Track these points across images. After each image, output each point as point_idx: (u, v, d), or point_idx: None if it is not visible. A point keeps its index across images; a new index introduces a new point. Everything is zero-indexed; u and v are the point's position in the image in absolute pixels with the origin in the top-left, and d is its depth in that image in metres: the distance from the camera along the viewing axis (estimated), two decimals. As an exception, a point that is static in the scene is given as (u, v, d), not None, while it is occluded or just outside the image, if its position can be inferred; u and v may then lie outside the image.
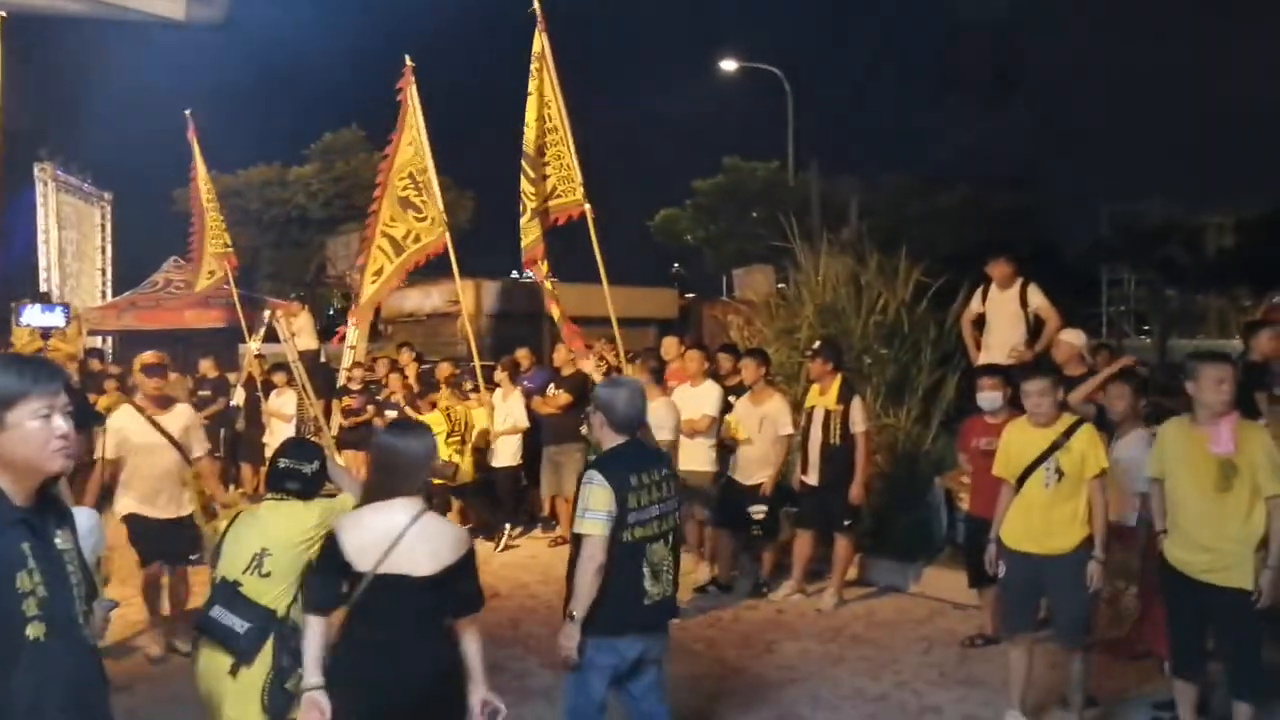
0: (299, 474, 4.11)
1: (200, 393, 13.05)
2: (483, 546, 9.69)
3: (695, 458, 8.26)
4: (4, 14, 6.69)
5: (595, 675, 4.17)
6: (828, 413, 7.56)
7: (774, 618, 7.50)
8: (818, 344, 7.82)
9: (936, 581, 7.85)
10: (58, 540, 2.56)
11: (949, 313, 9.13)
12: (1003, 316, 8.12)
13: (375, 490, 3.58)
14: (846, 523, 7.68)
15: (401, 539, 3.42)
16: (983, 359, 8.01)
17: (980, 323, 8.31)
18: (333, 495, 4.45)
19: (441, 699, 3.47)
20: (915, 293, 9.47)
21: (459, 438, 9.91)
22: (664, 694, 4.48)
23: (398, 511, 3.48)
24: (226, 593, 3.86)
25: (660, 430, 7.02)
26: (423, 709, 3.41)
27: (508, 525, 10.08)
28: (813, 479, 7.68)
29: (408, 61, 11.32)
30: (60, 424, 2.49)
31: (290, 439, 4.61)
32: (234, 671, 3.78)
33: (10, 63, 7.40)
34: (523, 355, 11.28)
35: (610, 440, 4.29)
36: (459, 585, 3.54)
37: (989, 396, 6.51)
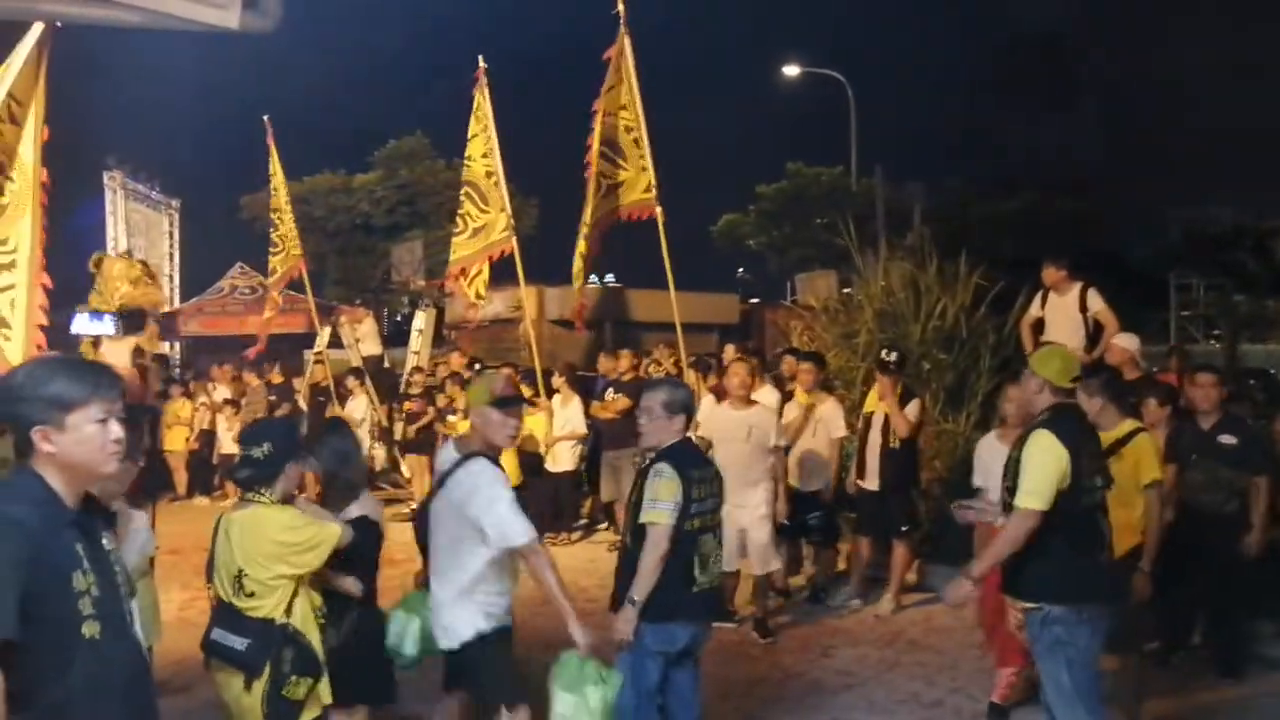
0: (249, 460, 3.91)
1: (267, 398, 13.35)
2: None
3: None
4: (58, 24, 6.84)
5: (650, 660, 4.32)
6: (887, 417, 7.54)
7: (831, 623, 7.48)
8: (893, 356, 7.72)
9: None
10: (104, 541, 2.65)
11: (1008, 318, 9.05)
12: (1062, 321, 8.03)
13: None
14: (904, 528, 7.66)
15: None
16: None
17: (1040, 327, 8.23)
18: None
19: None
20: (974, 298, 9.40)
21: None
22: (699, 690, 4.60)
23: None
24: (223, 613, 3.83)
25: (769, 438, 7.08)
26: None
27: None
28: (871, 484, 7.65)
29: (481, 64, 11.48)
30: (116, 429, 2.57)
31: (251, 421, 4.50)
32: (248, 686, 3.76)
33: (78, 73, 7.58)
34: (625, 356, 10.94)
35: (670, 437, 4.48)
36: None
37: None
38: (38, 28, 6.83)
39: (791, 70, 27.57)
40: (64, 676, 2.45)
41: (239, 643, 3.75)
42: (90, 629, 2.49)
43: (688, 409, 4.57)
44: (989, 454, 6.05)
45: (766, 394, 8.39)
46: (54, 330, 6.84)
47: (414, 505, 12.18)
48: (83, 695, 2.47)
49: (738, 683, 6.26)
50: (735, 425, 7.09)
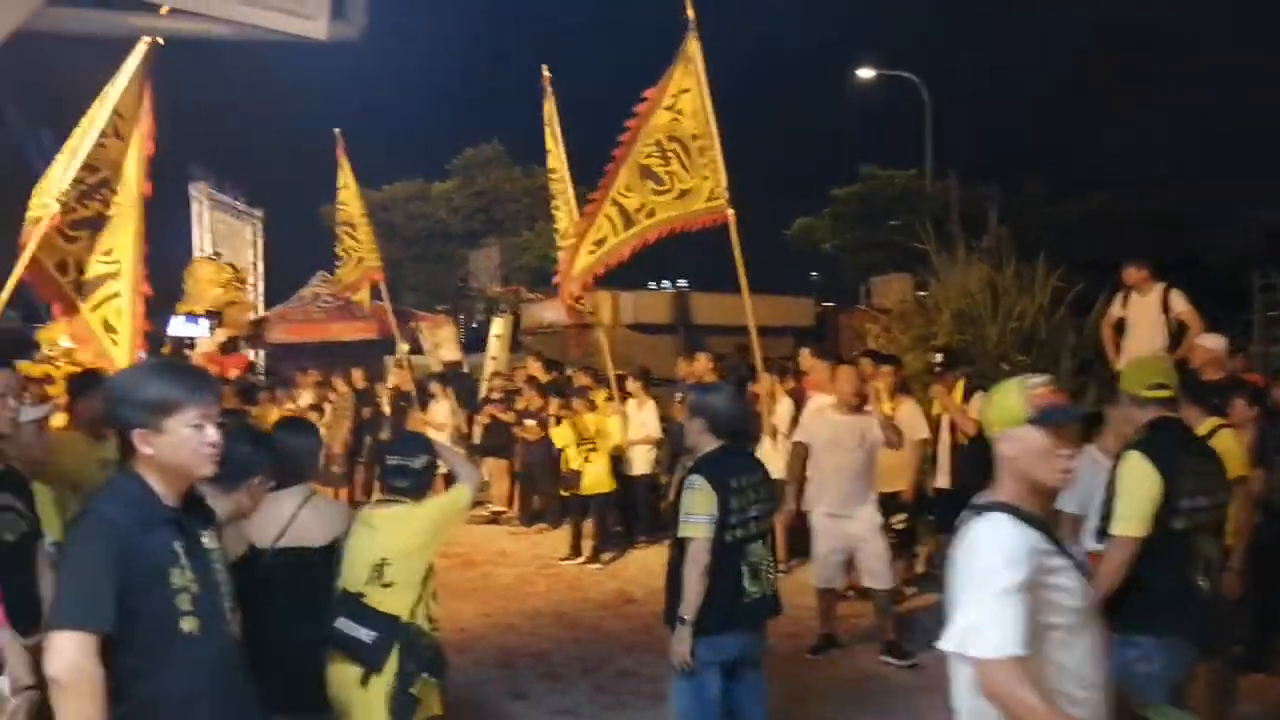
0: (407, 470, 4.05)
1: (354, 403, 13.65)
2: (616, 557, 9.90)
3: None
4: (160, 40, 7.11)
5: (708, 674, 4.28)
6: None
7: (911, 624, 7.44)
8: (938, 357, 7.78)
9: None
10: (205, 540, 2.74)
11: (1088, 320, 8.93)
12: (1143, 321, 7.92)
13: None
14: None
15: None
16: (1123, 364, 7.82)
17: (1121, 327, 8.12)
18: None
19: None
20: (1053, 299, 9.29)
21: (590, 445, 10.08)
22: (763, 698, 4.55)
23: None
24: (350, 604, 3.85)
25: (880, 445, 6.86)
26: None
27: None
28: (944, 482, 7.68)
29: (545, 72, 11.64)
30: (212, 433, 2.67)
31: (401, 433, 4.59)
32: (365, 681, 3.79)
33: (164, 85, 7.87)
34: (702, 359, 10.85)
35: (709, 444, 4.43)
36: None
37: None
38: (141, 47, 7.15)
39: (865, 73, 27.37)
40: (161, 670, 2.55)
41: (366, 634, 3.78)
42: (189, 624, 2.58)
43: (728, 414, 4.46)
44: (1088, 470, 5.87)
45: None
46: (151, 335, 7.12)
47: (493, 508, 12.37)
48: (179, 688, 2.57)
49: (814, 685, 6.26)
50: (845, 431, 6.75)
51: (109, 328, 7.54)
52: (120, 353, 7.42)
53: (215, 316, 15.47)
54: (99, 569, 2.48)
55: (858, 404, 6.87)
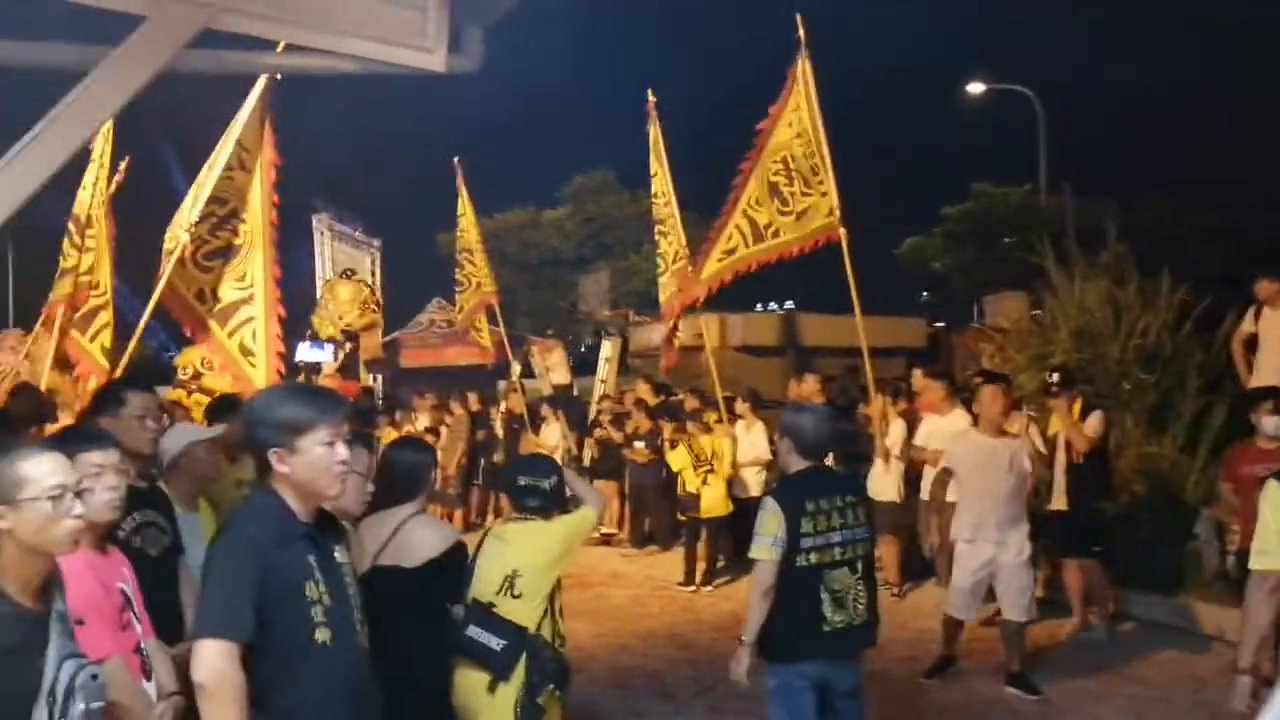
0: (538, 490, 4.13)
1: (470, 425, 13.93)
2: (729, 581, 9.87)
3: (944, 488, 8.19)
4: (278, 76, 7.39)
5: (802, 698, 4.18)
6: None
7: (1030, 653, 7.24)
8: (1055, 377, 7.50)
9: (1207, 616, 7.37)
10: (336, 554, 2.89)
11: (1216, 336, 8.62)
12: (1275, 337, 7.62)
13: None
14: (1096, 549, 7.38)
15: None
16: (1255, 381, 7.54)
17: (1252, 344, 7.83)
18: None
19: None
20: (1178, 315, 8.98)
21: (707, 467, 10.06)
22: None
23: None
24: (480, 612, 3.91)
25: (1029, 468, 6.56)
26: None
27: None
28: (1060, 503, 7.43)
29: (650, 97, 11.80)
30: (342, 451, 2.80)
31: (527, 454, 4.61)
32: (492, 688, 3.84)
33: (286, 120, 8.21)
34: (809, 381, 10.74)
35: (796, 465, 4.36)
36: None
37: (1270, 420, 6.12)
38: (261, 82, 7.49)
39: (976, 88, 26.93)
40: (297, 680, 2.68)
41: (495, 642, 3.85)
42: (322, 635, 2.71)
43: (815, 435, 4.35)
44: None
45: (958, 417, 8.24)
46: (286, 358, 7.42)
47: (604, 531, 12.45)
48: (314, 697, 2.70)
49: (928, 709, 6.16)
50: (993, 455, 6.40)
51: (245, 351, 7.89)
52: (259, 374, 7.74)
53: (352, 337, 15.76)
54: (240, 582, 2.63)
55: (1000, 425, 6.58)
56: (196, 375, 8.42)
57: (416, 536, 3.78)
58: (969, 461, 6.53)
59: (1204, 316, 8.94)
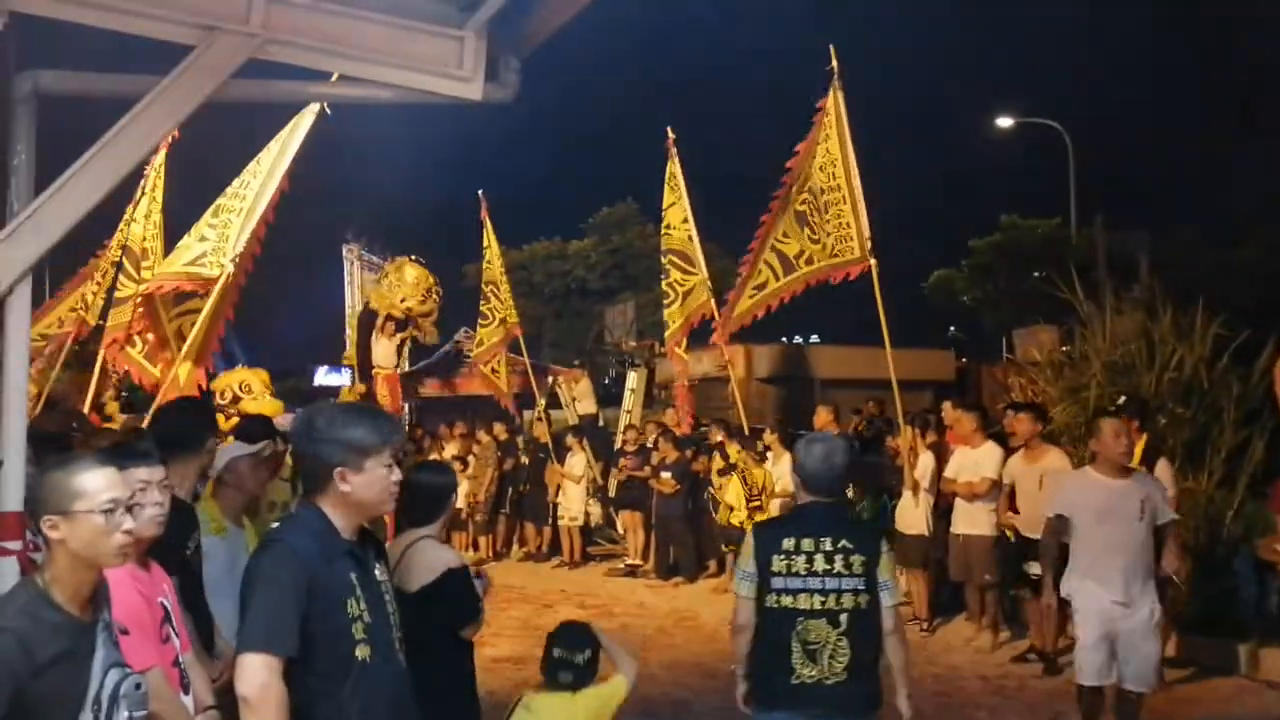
0: (571, 664, 3.97)
1: (496, 454, 13.95)
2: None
3: (975, 521, 8.14)
4: (326, 108, 7.53)
5: None
6: None
7: (1061, 688, 7.12)
8: (1123, 399, 7.31)
9: (1248, 658, 7.24)
10: (376, 571, 2.91)
11: (1253, 368, 8.51)
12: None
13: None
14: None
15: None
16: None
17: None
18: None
19: None
20: (1214, 348, 8.88)
21: (758, 502, 9.96)
22: None
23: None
24: None
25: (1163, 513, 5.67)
26: None
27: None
28: None
29: (670, 133, 11.96)
30: (398, 473, 2.88)
31: (565, 623, 4.22)
32: None
33: (319, 149, 8.39)
34: (822, 413, 10.78)
35: (801, 499, 4.09)
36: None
37: None
38: (309, 114, 7.63)
39: (1005, 121, 26.96)
40: (338, 694, 2.69)
41: None
42: (362, 652, 2.73)
43: (811, 469, 3.98)
44: None
45: (990, 450, 8.19)
46: (300, 379, 7.58)
47: (629, 562, 12.41)
48: (353, 712, 2.70)
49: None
50: (1118, 499, 5.46)
51: (179, 336, 8.23)
52: (184, 367, 8.08)
53: (409, 323, 15.61)
54: (287, 596, 2.65)
55: (1124, 463, 5.67)
56: (235, 399, 8.54)
57: (417, 561, 3.75)
58: (1089, 508, 5.53)
59: (1241, 349, 8.84)
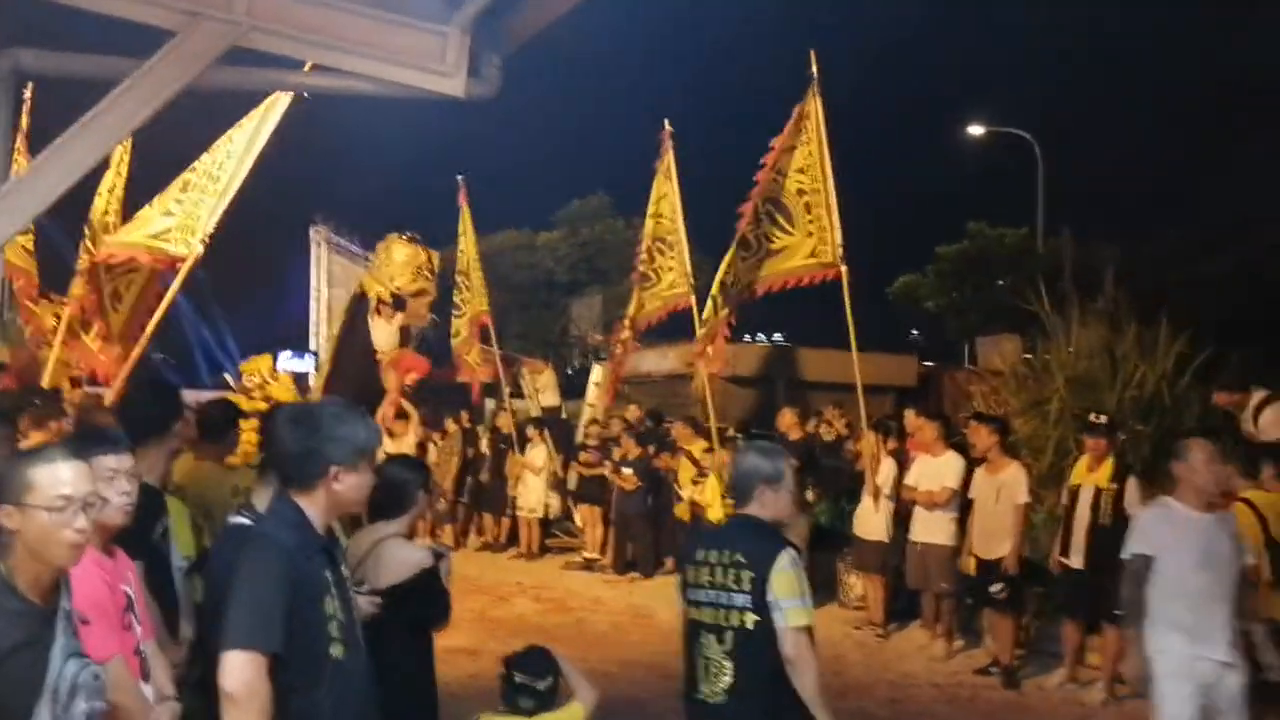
0: (533, 691, 3.87)
1: (461, 442, 13.94)
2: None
3: (934, 530, 8.20)
4: (306, 96, 7.46)
5: None
6: (1098, 491, 7.05)
7: (1014, 700, 7.23)
8: (1103, 419, 7.33)
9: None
10: (343, 570, 2.93)
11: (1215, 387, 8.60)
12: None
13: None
14: (1118, 612, 7.25)
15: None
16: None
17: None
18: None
19: None
20: (1177, 365, 8.97)
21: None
22: None
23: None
24: None
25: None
26: None
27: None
28: (1077, 561, 7.12)
29: (667, 126, 11.92)
30: (373, 477, 2.90)
31: (528, 648, 4.04)
32: None
33: (291, 133, 8.31)
34: (787, 414, 11.08)
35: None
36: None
37: None
38: (284, 101, 7.54)
39: (976, 130, 27.17)
40: (313, 691, 2.69)
41: None
42: (337, 650, 2.73)
43: (733, 479, 3.87)
44: None
45: (951, 459, 8.26)
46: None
47: (587, 555, 12.41)
48: (327, 712, 2.71)
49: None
50: (1212, 538, 4.58)
51: (116, 296, 8.23)
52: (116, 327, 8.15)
53: (400, 303, 15.48)
54: (273, 591, 2.64)
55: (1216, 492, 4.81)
56: (262, 384, 8.49)
57: (386, 558, 3.72)
58: (1186, 549, 4.57)
59: (1205, 367, 8.92)
